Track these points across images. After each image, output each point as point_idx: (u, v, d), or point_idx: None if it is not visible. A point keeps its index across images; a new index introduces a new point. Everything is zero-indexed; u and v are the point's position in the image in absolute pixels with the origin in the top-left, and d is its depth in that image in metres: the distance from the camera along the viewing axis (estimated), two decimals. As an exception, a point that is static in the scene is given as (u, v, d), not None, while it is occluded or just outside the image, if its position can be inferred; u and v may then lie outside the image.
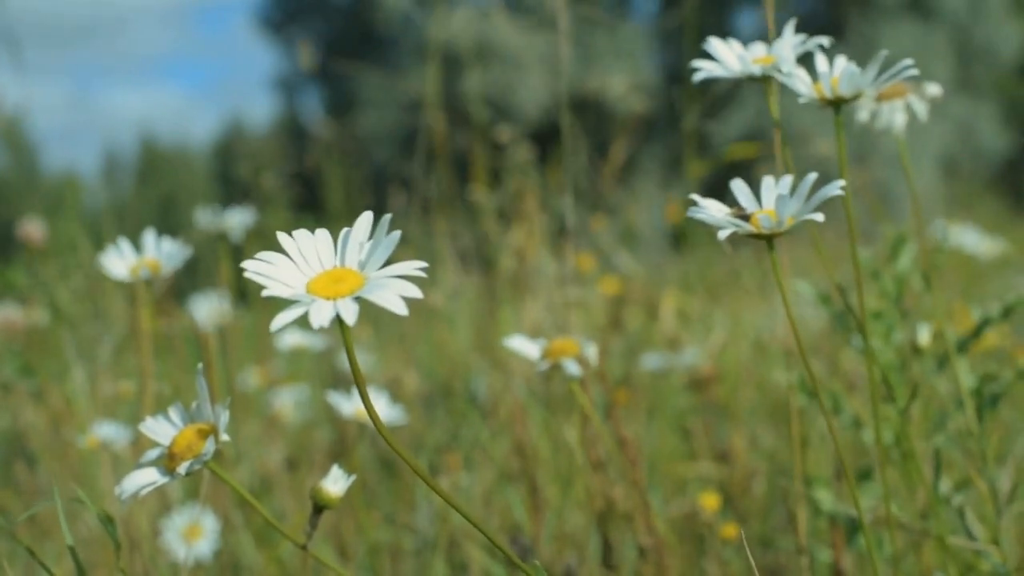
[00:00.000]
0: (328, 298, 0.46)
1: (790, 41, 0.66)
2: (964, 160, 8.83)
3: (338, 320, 0.45)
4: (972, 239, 1.50)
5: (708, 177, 1.94)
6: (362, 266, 0.48)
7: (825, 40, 0.65)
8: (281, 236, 0.49)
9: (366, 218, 0.49)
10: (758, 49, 0.68)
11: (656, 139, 8.53)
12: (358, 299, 0.45)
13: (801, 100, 0.64)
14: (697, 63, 0.66)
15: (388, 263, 0.47)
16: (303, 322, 0.45)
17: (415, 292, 0.44)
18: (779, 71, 0.64)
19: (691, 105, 1.53)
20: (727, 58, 0.67)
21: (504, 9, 8.60)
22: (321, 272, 0.49)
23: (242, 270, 0.48)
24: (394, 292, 0.44)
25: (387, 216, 0.48)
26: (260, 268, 0.48)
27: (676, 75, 8.66)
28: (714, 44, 0.68)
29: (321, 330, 0.45)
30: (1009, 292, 1.44)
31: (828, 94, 0.63)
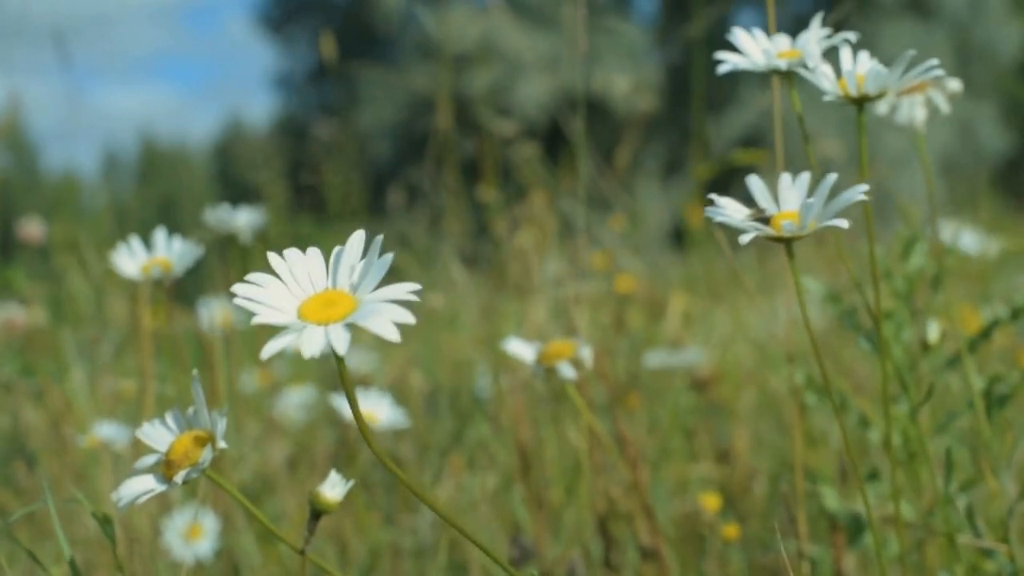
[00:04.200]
0: (320, 323, 0.45)
1: (816, 35, 0.64)
2: (964, 160, 8.82)
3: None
4: (973, 240, 1.49)
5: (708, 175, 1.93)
6: (354, 288, 0.47)
7: (852, 36, 0.64)
8: (272, 257, 0.48)
9: (358, 238, 0.48)
10: (782, 42, 0.66)
11: (657, 138, 8.53)
12: (349, 325, 0.45)
13: (826, 97, 0.62)
14: (722, 55, 0.65)
15: (382, 283, 0.46)
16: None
17: (408, 318, 0.43)
18: (804, 67, 0.63)
19: (693, 106, 1.53)
20: (752, 51, 0.66)
21: (505, 8, 8.60)
22: (313, 294, 0.48)
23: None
24: (386, 318, 0.44)
25: (378, 238, 0.47)
26: (250, 293, 0.47)
27: (676, 75, 8.66)
28: (739, 36, 0.66)
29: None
30: (1014, 293, 1.43)
31: (853, 92, 0.62)
